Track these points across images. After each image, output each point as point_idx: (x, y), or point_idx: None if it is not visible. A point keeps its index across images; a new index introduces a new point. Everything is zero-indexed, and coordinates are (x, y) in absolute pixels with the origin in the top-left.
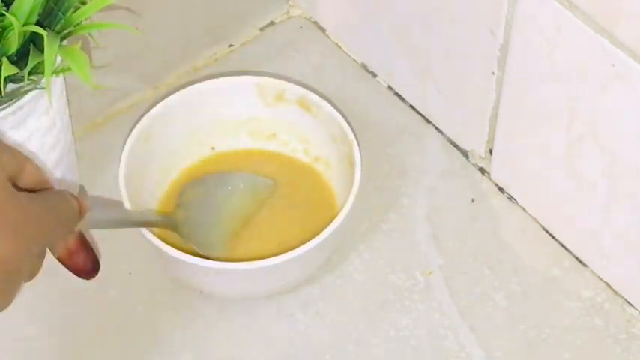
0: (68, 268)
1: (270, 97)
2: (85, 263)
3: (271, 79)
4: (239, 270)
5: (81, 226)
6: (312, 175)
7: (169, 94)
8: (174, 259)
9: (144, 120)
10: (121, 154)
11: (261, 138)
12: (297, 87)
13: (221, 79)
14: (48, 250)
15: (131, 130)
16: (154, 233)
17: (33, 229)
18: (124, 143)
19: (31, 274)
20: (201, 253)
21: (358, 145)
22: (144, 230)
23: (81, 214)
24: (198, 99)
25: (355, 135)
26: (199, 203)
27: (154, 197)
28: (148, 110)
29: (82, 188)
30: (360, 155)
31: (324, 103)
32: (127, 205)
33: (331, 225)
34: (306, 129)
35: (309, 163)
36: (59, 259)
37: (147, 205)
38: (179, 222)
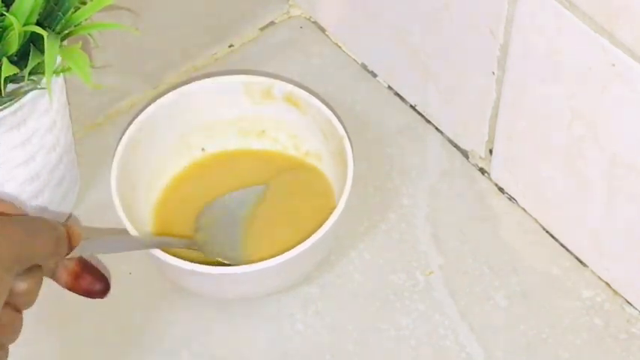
0: (77, 293)
1: (257, 95)
2: (91, 285)
3: (257, 77)
4: (236, 274)
5: (80, 253)
6: (305, 168)
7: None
8: (170, 265)
9: (132, 127)
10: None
11: (250, 136)
12: (284, 84)
13: (206, 80)
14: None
15: (120, 137)
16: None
17: (4, 250)
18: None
19: (24, 302)
20: (228, 263)
21: (349, 139)
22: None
23: (72, 240)
24: (185, 102)
25: (346, 130)
26: (215, 225)
27: (147, 202)
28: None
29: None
30: (352, 149)
31: (313, 98)
32: (120, 211)
33: (326, 223)
34: (295, 125)
35: (301, 157)
36: (66, 287)
37: (140, 209)
38: (202, 243)
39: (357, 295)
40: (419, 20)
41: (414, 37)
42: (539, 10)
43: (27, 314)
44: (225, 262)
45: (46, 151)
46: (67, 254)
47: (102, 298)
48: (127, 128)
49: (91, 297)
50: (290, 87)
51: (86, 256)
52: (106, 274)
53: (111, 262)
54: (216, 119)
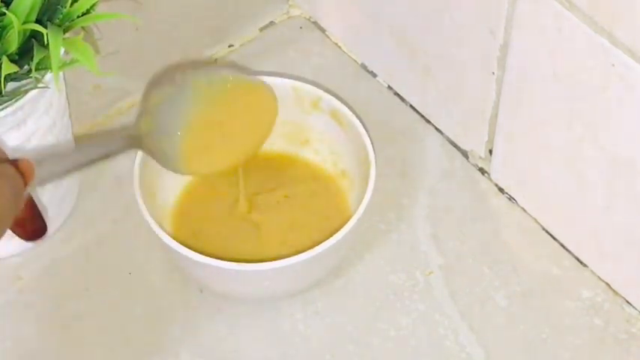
0: (19, 236)
1: (306, 103)
2: (34, 228)
3: (307, 86)
4: (258, 271)
5: (31, 189)
6: (335, 189)
7: None
8: (190, 259)
9: None
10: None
11: (294, 142)
12: (331, 98)
13: (260, 77)
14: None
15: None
16: (166, 231)
17: None
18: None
19: None
20: (167, 168)
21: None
22: (153, 224)
23: (26, 179)
24: None
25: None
26: (164, 107)
27: (176, 181)
28: None
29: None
30: (375, 178)
31: (355, 119)
32: (137, 187)
33: (330, 239)
34: (336, 141)
35: (336, 176)
36: (10, 230)
37: (163, 192)
38: (142, 132)
39: (357, 295)
40: (419, 20)
41: (414, 37)
42: (539, 10)
43: (28, 314)
44: (164, 166)
45: None
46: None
47: (40, 240)
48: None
49: (29, 240)
50: (336, 103)
51: (38, 185)
52: (43, 212)
53: (111, 262)
54: None
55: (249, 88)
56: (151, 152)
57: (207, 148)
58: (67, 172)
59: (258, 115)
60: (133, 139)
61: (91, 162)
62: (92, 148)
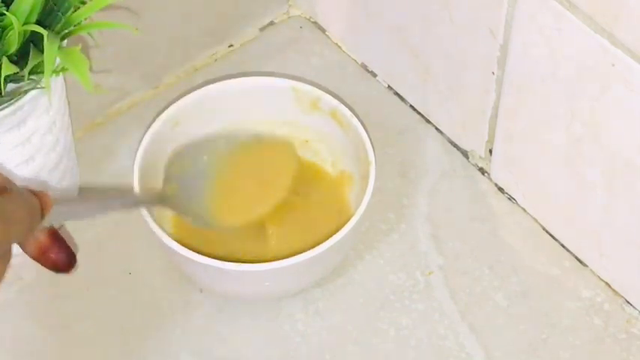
0: (43, 265)
1: (305, 104)
2: (58, 258)
3: (307, 86)
4: (262, 271)
5: (51, 221)
6: (335, 190)
7: (199, 88)
8: (190, 260)
9: (172, 107)
10: (139, 142)
11: (294, 143)
12: (331, 98)
13: (258, 78)
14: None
15: (158, 115)
16: (166, 231)
17: None
18: (146, 129)
19: None
20: (199, 226)
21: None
22: (153, 224)
23: (44, 210)
24: (234, 94)
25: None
26: (187, 173)
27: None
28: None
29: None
30: (375, 178)
31: (354, 119)
32: (136, 186)
33: (326, 242)
34: (336, 141)
35: (336, 176)
36: (33, 259)
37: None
38: (169, 196)
39: (357, 296)
40: (419, 20)
41: (414, 37)
42: (539, 10)
43: (28, 314)
44: (191, 220)
45: (46, 151)
46: (39, 224)
47: (67, 272)
48: (164, 109)
49: (56, 271)
50: (336, 103)
51: (57, 224)
52: (73, 248)
53: (111, 262)
54: (264, 118)
55: (265, 144)
56: (179, 212)
57: (234, 204)
58: (85, 216)
59: (277, 167)
60: (159, 198)
61: (109, 212)
62: (116, 200)
